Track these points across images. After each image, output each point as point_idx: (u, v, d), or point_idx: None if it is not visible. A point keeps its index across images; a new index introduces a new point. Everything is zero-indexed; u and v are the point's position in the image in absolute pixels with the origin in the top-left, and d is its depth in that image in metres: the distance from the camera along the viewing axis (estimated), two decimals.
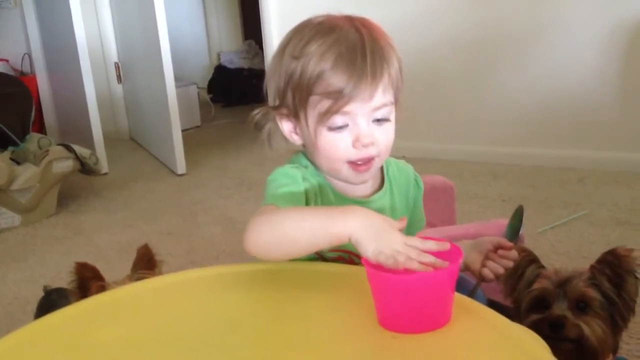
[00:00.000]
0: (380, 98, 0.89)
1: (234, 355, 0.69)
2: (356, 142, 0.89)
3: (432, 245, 0.72)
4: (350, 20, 0.91)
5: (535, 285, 1.11)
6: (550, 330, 1.05)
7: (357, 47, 0.87)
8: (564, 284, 1.09)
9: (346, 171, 0.92)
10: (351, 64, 0.86)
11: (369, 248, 0.72)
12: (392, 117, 0.93)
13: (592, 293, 1.08)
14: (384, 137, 0.91)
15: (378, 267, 0.70)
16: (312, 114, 0.90)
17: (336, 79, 0.86)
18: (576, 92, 2.86)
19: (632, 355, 1.47)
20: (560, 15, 2.84)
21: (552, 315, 1.07)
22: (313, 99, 0.89)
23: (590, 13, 2.77)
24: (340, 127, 0.89)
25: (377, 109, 0.89)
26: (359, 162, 0.91)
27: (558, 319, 1.06)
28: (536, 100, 2.95)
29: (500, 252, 1.01)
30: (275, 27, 3.44)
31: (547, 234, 2.18)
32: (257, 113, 0.98)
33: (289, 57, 0.91)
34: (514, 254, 1.02)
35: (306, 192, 0.92)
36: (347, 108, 0.87)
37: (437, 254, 0.72)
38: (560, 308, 1.08)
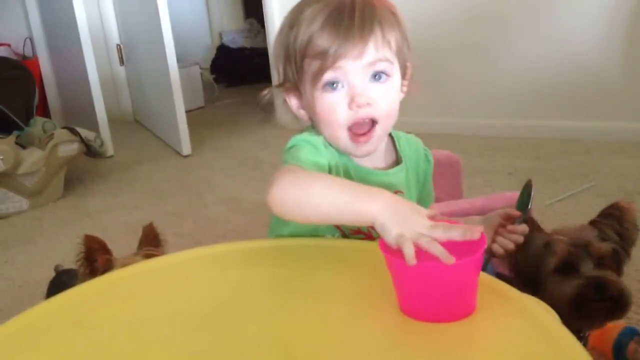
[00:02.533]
0: (373, 54, 0.87)
1: (244, 332, 0.69)
2: (351, 103, 0.87)
3: (458, 232, 0.67)
4: None
5: (558, 250, 1.10)
6: (595, 292, 1.05)
7: (345, 7, 0.86)
8: (585, 244, 1.09)
9: (345, 140, 0.90)
10: (338, 22, 0.85)
11: (393, 232, 0.68)
12: (394, 75, 0.90)
13: (608, 247, 1.09)
14: (382, 96, 0.89)
15: (396, 253, 0.67)
16: (307, 79, 0.89)
17: (324, 39, 0.86)
18: (581, 63, 2.83)
19: None
20: None
21: (595, 277, 1.06)
22: (306, 62, 0.89)
23: None
24: (334, 86, 0.87)
25: (371, 64, 0.87)
26: (358, 130, 0.89)
27: (602, 279, 1.05)
28: (541, 72, 2.93)
29: (510, 227, 1.01)
30: (277, 5, 3.41)
31: (555, 206, 2.17)
32: (266, 94, 0.97)
33: (286, 28, 0.92)
34: (523, 228, 1.01)
35: (328, 160, 0.90)
36: (337, 64, 0.86)
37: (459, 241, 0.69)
38: (589, 268, 1.07)
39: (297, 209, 0.78)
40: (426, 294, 0.66)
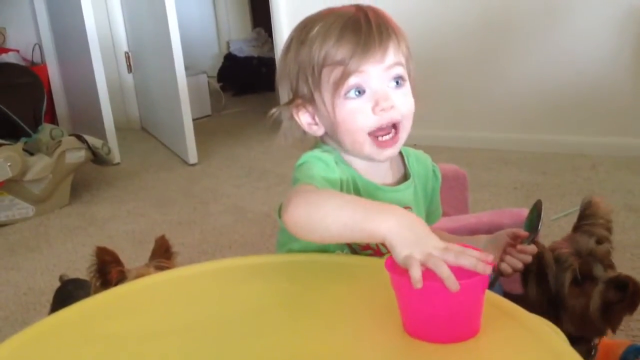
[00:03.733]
0: (392, 57, 0.89)
1: (253, 347, 0.69)
2: (375, 107, 0.89)
3: (469, 262, 0.66)
4: (352, 4, 0.93)
5: (570, 263, 1.10)
6: (617, 293, 1.06)
7: (360, 18, 0.89)
8: (590, 251, 1.09)
9: (369, 146, 0.91)
10: (357, 30, 0.88)
11: (402, 253, 0.68)
12: (408, 81, 0.93)
13: (606, 247, 1.11)
14: (404, 102, 0.91)
15: (402, 273, 0.66)
16: (327, 89, 0.90)
17: (345, 47, 0.88)
18: (588, 77, 2.83)
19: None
20: None
21: (614, 278, 1.08)
22: (325, 72, 0.90)
23: None
24: (358, 93, 0.89)
25: (391, 67, 0.89)
26: (382, 135, 0.90)
27: (621, 279, 1.07)
28: (547, 86, 2.93)
29: (519, 247, 1.01)
30: (285, 15, 3.43)
31: (560, 221, 2.16)
32: (274, 113, 0.98)
33: (295, 46, 0.93)
34: (533, 248, 1.01)
35: (340, 177, 0.91)
36: (360, 68, 0.88)
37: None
38: (602, 272, 1.08)
39: (311, 230, 0.79)
40: (430, 314, 0.66)
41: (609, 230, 1.15)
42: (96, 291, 1.17)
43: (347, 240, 0.77)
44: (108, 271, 1.18)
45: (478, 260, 0.67)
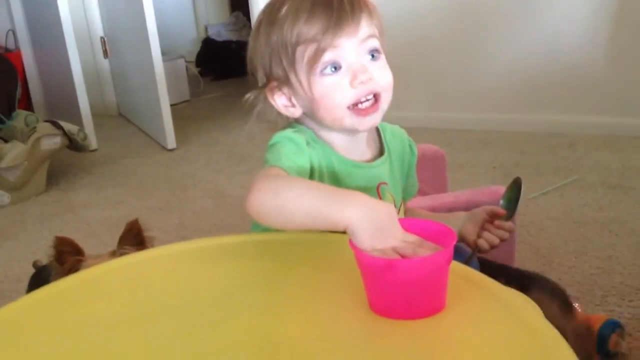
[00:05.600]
0: (366, 29, 0.88)
1: (226, 328, 0.68)
2: (354, 81, 0.88)
3: (426, 252, 0.67)
4: None
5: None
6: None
7: None
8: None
9: (349, 118, 0.90)
10: (328, 5, 0.87)
11: (363, 244, 0.67)
12: (383, 56, 0.92)
13: None
14: (381, 74, 0.90)
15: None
16: (302, 68, 0.89)
17: (317, 23, 0.86)
18: (565, 57, 2.84)
19: (623, 317, 1.48)
20: None
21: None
22: (299, 51, 0.88)
23: None
24: (334, 69, 0.88)
25: (365, 40, 0.88)
26: (363, 105, 0.89)
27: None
28: (526, 66, 2.93)
29: (497, 222, 1.01)
30: None
31: (539, 200, 2.18)
32: (249, 97, 0.96)
33: (265, 28, 0.92)
34: (510, 225, 1.02)
35: (310, 159, 0.90)
36: (335, 42, 0.86)
37: (429, 236, 0.69)
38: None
39: (273, 218, 0.78)
40: (392, 291, 0.65)
41: None
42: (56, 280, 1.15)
43: (309, 228, 0.75)
44: (65, 261, 1.17)
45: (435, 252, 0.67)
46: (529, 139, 2.84)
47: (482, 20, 2.99)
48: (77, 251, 1.19)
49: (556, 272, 1.70)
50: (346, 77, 0.88)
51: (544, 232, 1.95)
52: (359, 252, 0.66)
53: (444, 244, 0.67)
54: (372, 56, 0.90)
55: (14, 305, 0.77)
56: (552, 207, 2.12)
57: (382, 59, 0.91)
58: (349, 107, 0.89)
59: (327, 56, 0.87)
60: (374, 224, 0.69)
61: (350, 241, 0.68)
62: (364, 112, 0.90)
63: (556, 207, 2.12)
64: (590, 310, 1.49)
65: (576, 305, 1.43)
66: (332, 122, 0.92)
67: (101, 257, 1.19)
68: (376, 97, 0.90)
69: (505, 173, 2.47)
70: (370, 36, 0.89)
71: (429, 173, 1.78)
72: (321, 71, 0.88)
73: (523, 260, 1.75)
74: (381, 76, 0.90)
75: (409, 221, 0.73)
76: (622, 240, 1.85)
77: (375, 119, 0.92)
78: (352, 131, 0.93)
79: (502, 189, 1.49)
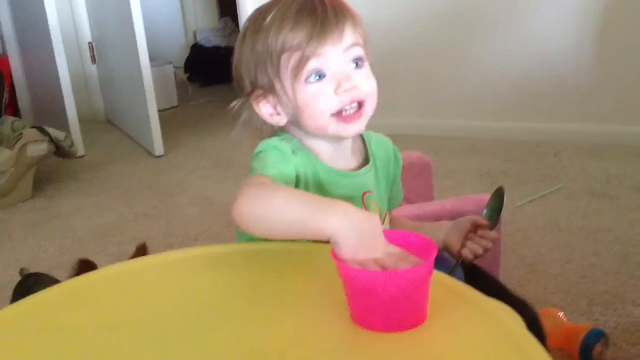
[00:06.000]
0: (350, 38, 0.89)
1: (209, 337, 0.68)
2: (338, 89, 0.88)
3: (408, 264, 0.67)
4: None
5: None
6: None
7: (315, 2, 0.88)
8: None
9: (334, 125, 0.90)
10: (313, 13, 0.87)
11: (346, 255, 0.68)
12: (367, 62, 0.92)
13: None
14: (364, 81, 0.90)
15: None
16: (287, 75, 0.89)
17: (302, 31, 0.87)
18: (551, 66, 2.87)
19: (608, 326, 1.49)
20: None
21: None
22: (284, 59, 0.89)
23: None
24: (319, 77, 0.88)
25: (349, 48, 0.89)
26: (347, 112, 0.90)
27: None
28: (512, 75, 2.96)
29: (481, 232, 1.02)
30: (251, 4, 3.40)
31: (525, 208, 2.19)
32: (234, 106, 0.97)
33: (251, 37, 0.92)
34: (494, 234, 1.02)
35: (296, 167, 0.91)
36: (319, 51, 0.87)
37: (410, 248, 0.70)
38: None
39: (258, 226, 0.78)
40: (374, 303, 0.65)
41: None
42: None
43: (294, 237, 0.76)
44: None
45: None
46: (516, 147, 2.86)
47: (469, 28, 3.01)
48: None
49: (541, 281, 1.72)
50: (330, 85, 0.89)
51: (529, 240, 1.96)
52: (340, 263, 0.67)
53: (425, 256, 0.67)
54: (357, 64, 0.90)
55: (1, 313, 0.77)
56: (537, 215, 2.13)
57: (367, 67, 0.92)
58: (333, 115, 0.90)
59: (312, 64, 0.88)
60: (357, 234, 0.69)
61: (333, 251, 0.69)
62: (348, 119, 0.90)
63: (542, 215, 2.13)
64: (575, 319, 1.50)
65: (561, 315, 1.45)
66: (317, 130, 0.92)
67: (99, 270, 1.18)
68: (360, 104, 0.91)
69: (491, 181, 2.48)
70: (355, 44, 0.90)
71: (416, 181, 1.79)
72: (306, 79, 0.89)
73: (509, 268, 1.76)
74: (365, 84, 0.91)
75: (391, 233, 0.73)
76: (606, 249, 1.87)
77: (359, 126, 0.92)
78: (336, 138, 0.94)
79: (487, 198, 1.51)
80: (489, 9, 2.95)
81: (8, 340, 0.72)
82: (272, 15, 0.89)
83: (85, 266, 1.18)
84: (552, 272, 1.76)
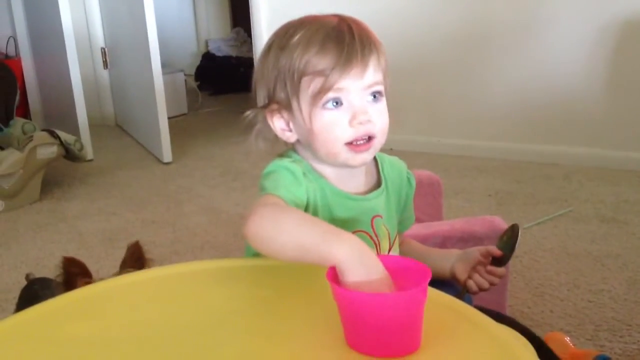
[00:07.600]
0: (372, 76, 0.89)
1: (216, 352, 0.68)
2: (353, 120, 0.88)
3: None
4: (334, 14, 0.92)
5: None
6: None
7: (343, 29, 0.88)
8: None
9: (345, 154, 0.91)
10: (340, 41, 0.87)
11: (350, 283, 0.68)
12: (384, 99, 0.93)
13: None
14: (380, 117, 0.91)
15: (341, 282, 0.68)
16: (305, 98, 0.89)
17: (327, 57, 0.87)
18: (563, 89, 2.86)
19: (614, 352, 1.48)
20: (549, 12, 2.84)
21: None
22: (305, 81, 0.89)
23: (578, 11, 2.77)
24: (336, 104, 0.89)
25: (370, 86, 0.89)
26: (358, 142, 0.90)
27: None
28: (524, 97, 2.96)
29: (489, 268, 1.02)
30: (264, 15, 3.42)
31: (533, 230, 2.18)
32: (248, 115, 0.97)
33: (275, 51, 0.91)
34: (502, 271, 1.02)
35: (307, 190, 0.91)
36: (339, 84, 0.87)
37: (404, 274, 0.70)
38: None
39: (267, 246, 0.78)
40: (365, 326, 0.64)
41: None
42: None
43: (299, 260, 0.76)
44: (74, 282, 1.15)
45: None
46: (525, 168, 2.85)
47: (483, 49, 3.02)
48: (85, 273, 1.17)
49: (548, 304, 1.70)
50: (346, 115, 0.89)
51: (536, 262, 1.95)
52: (333, 285, 0.66)
53: (418, 281, 0.66)
54: (374, 97, 0.91)
55: (6, 321, 0.77)
56: (545, 238, 2.12)
57: (383, 102, 0.92)
58: (345, 144, 0.90)
59: (331, 94, 0.88)
60: (362, 265, 0.69)
61: (327, 273, 0.69)
62: (358, 149, 0.91)
63: (550, 238, 2.12)
64: (581, 344, 1.49)
65: (567, 339, 1.43)
66: (326, 156, 0.93)
67: (109, 279, 1.17)
68: (370, 137, 0.91)
69: (500, 201, 2.47)
70: (376, 83, 0.90)
71: (425, 199, 1.78)
72: (323, 105, 0.89)
73: (515, 290, 1.75)
74: (379, 120, 0.91)
75: (386, 258, 0.73)
76: (614, 275, 1.85)
77: (366, 157, 0.93)
78: (343, 166, 0.94)
79: (496, 219, 1.50)
80: (502, 32, 2.95)
81: (13, 349, 0.71)
82: (300, 34, 0.89)
83: (71, 264, 1.17)
84: (558, 296, 1.75)
